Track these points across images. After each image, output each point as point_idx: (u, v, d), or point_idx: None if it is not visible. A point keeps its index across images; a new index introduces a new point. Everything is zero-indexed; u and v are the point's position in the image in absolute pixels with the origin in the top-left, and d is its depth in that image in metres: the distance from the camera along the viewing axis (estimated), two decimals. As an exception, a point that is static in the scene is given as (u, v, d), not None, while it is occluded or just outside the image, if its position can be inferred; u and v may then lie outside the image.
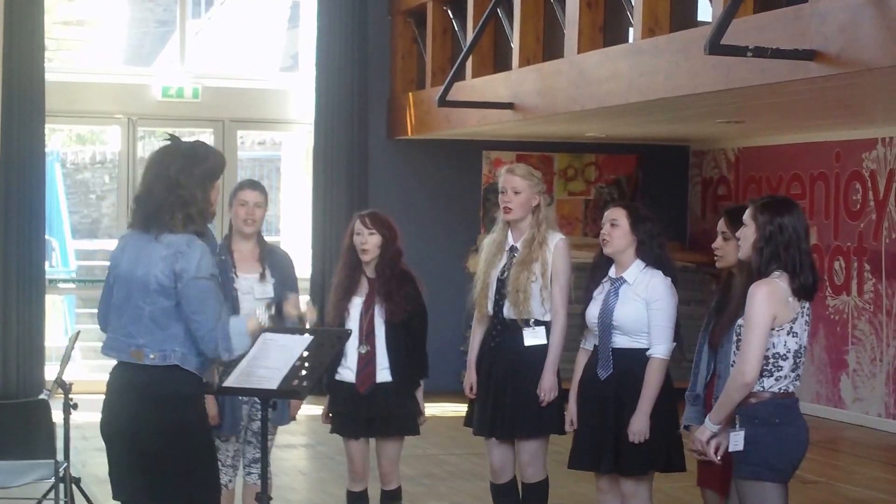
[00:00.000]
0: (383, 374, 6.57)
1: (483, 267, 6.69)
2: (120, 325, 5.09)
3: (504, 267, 6.61)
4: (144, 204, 5.10)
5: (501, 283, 6.59)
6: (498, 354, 6.62)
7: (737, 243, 5.55)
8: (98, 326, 5.37)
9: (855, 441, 11.14)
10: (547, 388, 6.51)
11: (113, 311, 5.13)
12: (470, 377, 6.74)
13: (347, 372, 6.60)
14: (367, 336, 6.57)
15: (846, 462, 10.38)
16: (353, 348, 6.57)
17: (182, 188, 5.04)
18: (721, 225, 5.96)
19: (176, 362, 5.00)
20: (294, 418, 6.80)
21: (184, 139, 5.33)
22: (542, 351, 6.54)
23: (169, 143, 5.20)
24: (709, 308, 6.09)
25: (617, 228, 6.17)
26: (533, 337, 6.55)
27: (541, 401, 6.51)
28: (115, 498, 5.22)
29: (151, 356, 5.00)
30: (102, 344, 5.19)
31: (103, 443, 5.17)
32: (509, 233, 6.66)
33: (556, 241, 6.58)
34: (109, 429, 5.11)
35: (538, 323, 6.54)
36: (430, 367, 6.75)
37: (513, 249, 6.62)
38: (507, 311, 6.58)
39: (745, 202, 5.56)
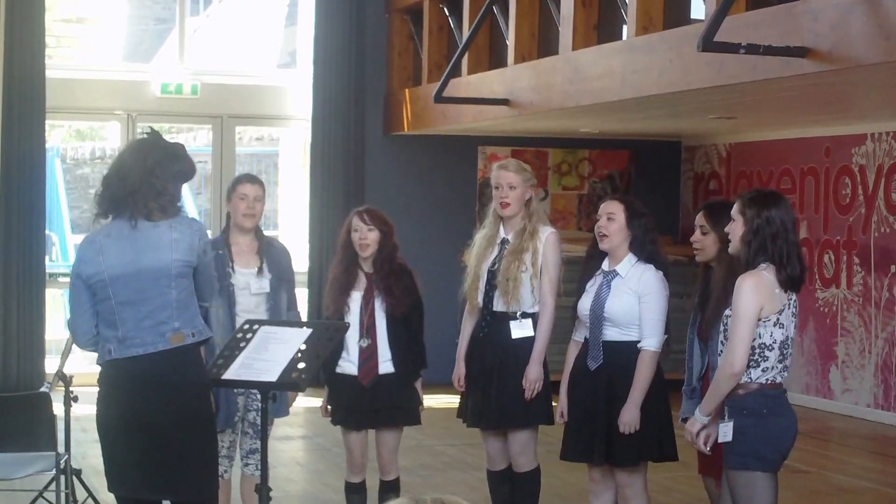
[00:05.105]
0: (385, 366, 6.60)
1: (474, 261, 6.73)
2: (139, 318, 5.07)
3: (495, 259, 6.65)
4: (115, 188, 5.12)
5: (492, 274, 6.61)
6: (486, 346, 6.65)
7: (715, 237, 5.62)
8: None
9: (844, 431, 11.19)
10: (532, 378, 6.52)
11: (126, 310, 5.09)
12: (458, 370, 6.77)
13: (349, 365, 6.61)
14: (369, 329, 6.58)
15: (836, 452, 10.42)
16: (353, 342, 6.58)
17: (156, 178, 5.09)
18: (699, 219, 6.00)
19: (209, 335, 5.18)
20: (288, 411, 6.84)
21: (181, 136, 5.41)
22: (529, 343, 6.54)
23: (148, 136, 5.24)
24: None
25: (613, 223, 6.17)
26: (520, 329, 6.56)
27: (526, 392, 6.54)
28: (111, 490, 5.25)
29: (192, 333, 5.10)
30: (120, 345, 5.10)
31: (100, 436, 5.19)
32: (501, 227, 6.71)
33: (547, 233, 6.62)
34: (119, 421, 5.09)
35: (525, 315, 6.57)
36: (428, 359, 6.78)
37: (504, 242, 6.67)
38: (497, 304, 6.61)
39: (720, 198, 5.63)
